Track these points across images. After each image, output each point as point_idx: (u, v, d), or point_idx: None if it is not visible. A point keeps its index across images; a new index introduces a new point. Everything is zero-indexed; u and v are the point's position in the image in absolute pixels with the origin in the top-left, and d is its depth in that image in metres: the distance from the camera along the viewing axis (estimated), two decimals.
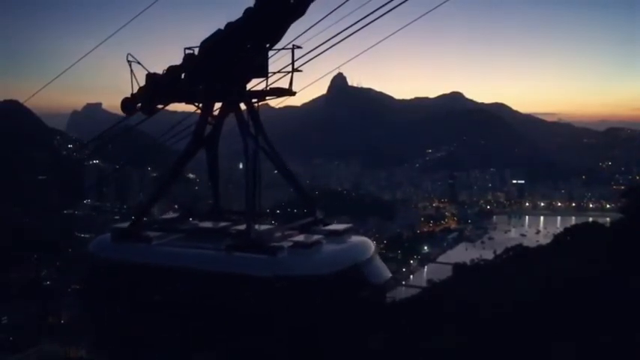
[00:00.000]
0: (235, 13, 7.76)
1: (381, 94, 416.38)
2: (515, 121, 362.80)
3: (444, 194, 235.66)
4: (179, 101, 8.72)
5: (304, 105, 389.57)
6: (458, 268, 51.92)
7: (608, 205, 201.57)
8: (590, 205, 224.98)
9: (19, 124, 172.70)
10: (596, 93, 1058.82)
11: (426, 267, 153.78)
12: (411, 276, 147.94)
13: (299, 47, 8.08)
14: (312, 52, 8.09)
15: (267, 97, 8.52)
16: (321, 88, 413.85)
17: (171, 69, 8.38)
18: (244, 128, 8.09)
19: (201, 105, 8.59)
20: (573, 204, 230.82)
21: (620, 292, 21.06)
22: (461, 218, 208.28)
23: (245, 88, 8.35)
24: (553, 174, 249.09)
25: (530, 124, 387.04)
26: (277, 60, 8.26)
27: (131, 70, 8.51)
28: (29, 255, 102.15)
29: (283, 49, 8.06)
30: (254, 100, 8.42)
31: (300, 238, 7.68)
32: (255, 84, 8.40)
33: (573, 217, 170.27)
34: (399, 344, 21.99)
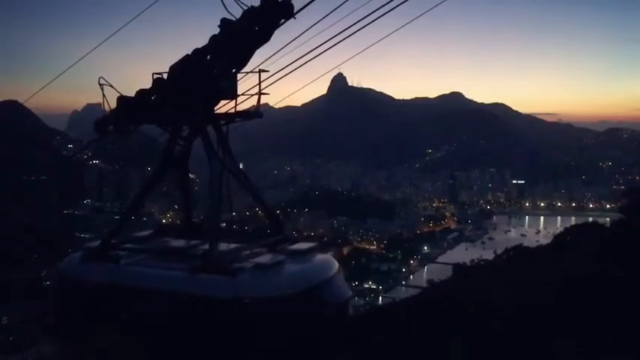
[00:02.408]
0: (203, 40, 8.08)
1: (381, 94, 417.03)
2: (516, 121, 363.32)
3: (444, 194, 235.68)
4: (149, 123, 8.90)
5: (304, 105, 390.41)
6: (458, 268, 51.87)
7: (608, 205, 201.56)
8: (590, 205, 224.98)
9: (19, 124, 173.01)
10: (596, 93, 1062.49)
11: (426, 267, 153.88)
12: (411, 276, 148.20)
13: (265, 71, 8.38)
14: (280, 73, 8.44)
15: (235, 120, 8.72)
16: (321, 88, 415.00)
17: (141, 92, 8.55)
18: (210, 150, 8.24)
19: (169, 127, 8.77)
20: (573, 204, 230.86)
21: (621, 292, 21.08)
22: (461, 218, 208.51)
23: (213, 111, 8.52)
24: (553, 174, 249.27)
25: (530, 124, 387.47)
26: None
27: (103, 94, 8.74)
28: (29, 255, 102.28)
29: (251, 72, 8.34)
30: (222, 122, 8.58)
31: (263, 258, 7.71)
32: (223, 104, 8.59)
33: (573, 217, 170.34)
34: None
